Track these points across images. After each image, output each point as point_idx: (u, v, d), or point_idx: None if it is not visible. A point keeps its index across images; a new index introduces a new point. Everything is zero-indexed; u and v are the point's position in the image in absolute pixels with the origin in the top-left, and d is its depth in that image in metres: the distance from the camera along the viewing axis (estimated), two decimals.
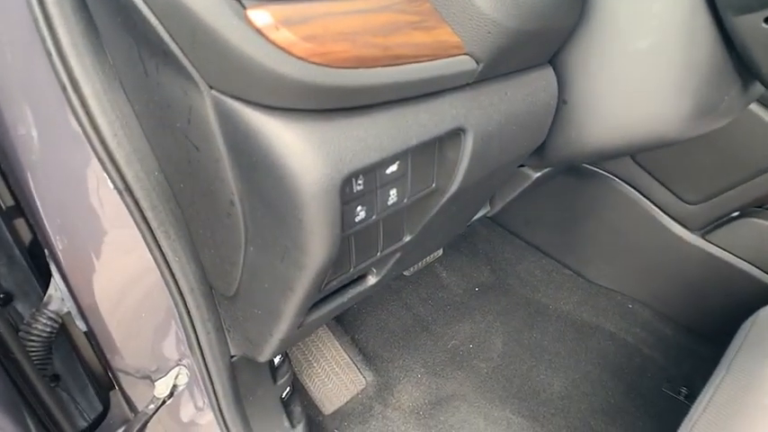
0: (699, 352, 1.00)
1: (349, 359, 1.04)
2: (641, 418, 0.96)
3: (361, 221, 0.38)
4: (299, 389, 0.97)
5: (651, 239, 0.97)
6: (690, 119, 0.44)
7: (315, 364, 1.01)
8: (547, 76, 0.46)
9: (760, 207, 0.89)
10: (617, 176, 0.98)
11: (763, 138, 0.77)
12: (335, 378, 1.01)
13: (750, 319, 0.69)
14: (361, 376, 1.03)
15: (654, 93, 0.44)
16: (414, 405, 1.01)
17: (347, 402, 0.99)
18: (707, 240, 0.92)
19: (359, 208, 0.37)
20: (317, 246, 0.35)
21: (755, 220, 0.87)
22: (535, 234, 1.20)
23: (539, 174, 0.74)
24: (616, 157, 0.79)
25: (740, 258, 0.88)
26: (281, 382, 0.77)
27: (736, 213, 0.89)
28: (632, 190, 0.97)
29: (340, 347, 1.05)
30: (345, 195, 0.35)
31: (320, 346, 1.03)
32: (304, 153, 0.32)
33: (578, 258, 1.15)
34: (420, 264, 1.21)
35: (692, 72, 0.43)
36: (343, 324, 1.11)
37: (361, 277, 0.57)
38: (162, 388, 0.63)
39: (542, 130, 0.48)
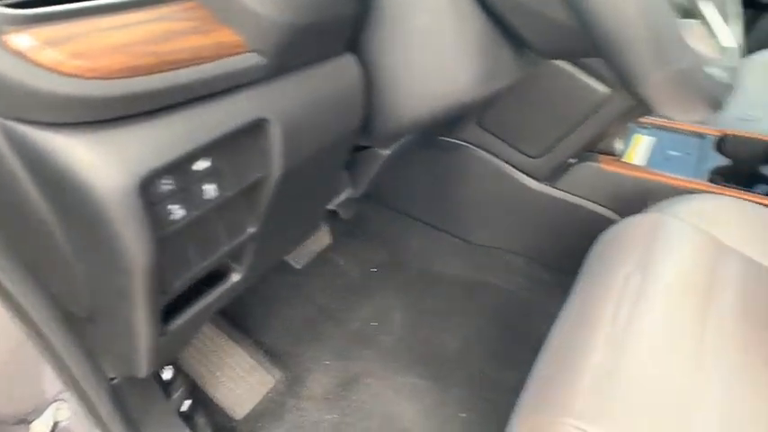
0: (568, 285, 1.12)
1: (254, 362, 1.05)
2: (530, 358, 1.06)
3: (180, 219, 0.41)
4: (202, 400, 0.97)
5: (510, 195, 1.07)
6: (474, 84, 0.51)
7: (218, 373, 1.01)
8: (346, 63, 0.51)
9: (591, 152, 1.01)
10: (471, 143, 1.07)
11: (576, 92, 0.89)
12: (242, 382, 1.02)
13: (593, 246, 0.79)
14: (269, 375, 1.05)
15: (439, 65, 0.50)
16: (325, 391, 1.05)
17: (258, 403, 1.01)
18: (554, 187, 1.03)
19: (172, 206, 0.39)
20: (131, 249, 0.37)
21: (589, 163, 0.99)
22: (417, 208, 1.27)
23: (389, 152, 0.79)
24: (437, 125, 0.86)
25: (583, 198, 1.00)
26: (175, 396, 0.77)
27: (574, 160, 1.01)
28: (485, 153, 1.06)
29: (243, 352, 1.06)
30: (151, 196, 0.37)
31: (221, 354, 1.04)
32: (95, 163, 0.34)
33: (458, 224, 1.23)
34: (311, 254, 1.24)
35: (467, 43, 0.49)
36: (245, 328, 1.12)
37: (223, 274, 0.59)
38: (40, 428, 0.62)
39: (353, 113, 0.53)
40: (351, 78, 0.51)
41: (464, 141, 1.07)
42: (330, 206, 0.97)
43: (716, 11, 0.46)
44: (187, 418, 0.80)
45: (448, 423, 1.00)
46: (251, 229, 0.53)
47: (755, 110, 1.18)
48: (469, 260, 1.25)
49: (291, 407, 1.02)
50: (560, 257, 1.09)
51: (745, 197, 0.86)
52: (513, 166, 1.05)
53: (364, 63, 0.53)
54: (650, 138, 1.06)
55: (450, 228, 1.25)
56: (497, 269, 1.21)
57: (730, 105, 1.31)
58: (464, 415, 1.02)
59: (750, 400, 0.56)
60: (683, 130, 1.08)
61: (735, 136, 1.04)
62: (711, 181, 0.93)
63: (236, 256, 0.55)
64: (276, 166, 0.47)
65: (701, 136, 1.06)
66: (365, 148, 0.83)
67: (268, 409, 1.01)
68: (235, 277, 0.59)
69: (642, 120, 1.12)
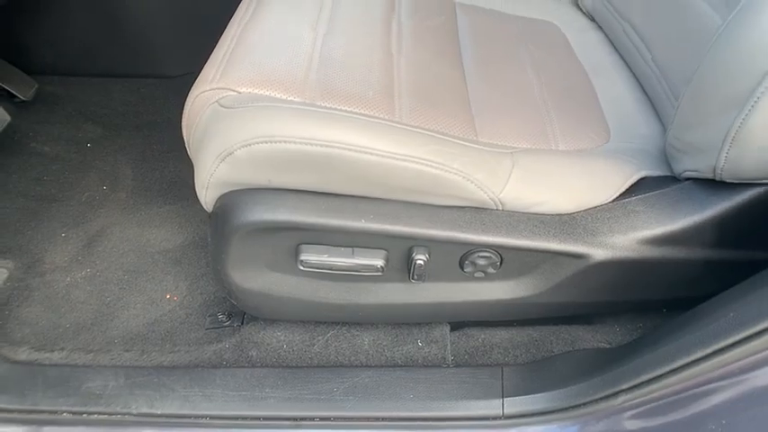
0: None
1: None
2: None
3: None
4: None
5: (181, 10, 1.08)
6: None
7: None
8: None
9: None
10: None
11: None
12: None
13: None
14: (2, 269, 0.97)
15: None
16: (70, 257, 1.01)
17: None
18: None
19: None
20: None
21: None
22: (94, 64, 1.20)
23: None
24: None
25: None
26: None
27: None
28: None
29: None
30: None
31: None
32: None
33: (142, 64, 1.21)
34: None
35: None
36: None
37: None
38: None
39: None
40: None
41: None
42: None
43: None
44: None
45: (202, 227, 1.05)
46: None
47: None
48: (176, 96, 1.25)
49: (38, 284, 0.97)
50: None
51: None
52: None
53: None
54: None
55: (139, 69, 1.23)
56: None
57: None
58: None
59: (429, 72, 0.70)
60: None
61: None
62: None
63: None
64: None
65: None
66: None
67: (12, 296, 0.94)
68: None
69: None
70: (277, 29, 0.69)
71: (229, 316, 0.86)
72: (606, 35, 0.89)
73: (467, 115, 0.67)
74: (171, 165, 1.17)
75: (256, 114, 0.53)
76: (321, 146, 0.52)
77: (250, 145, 0.52)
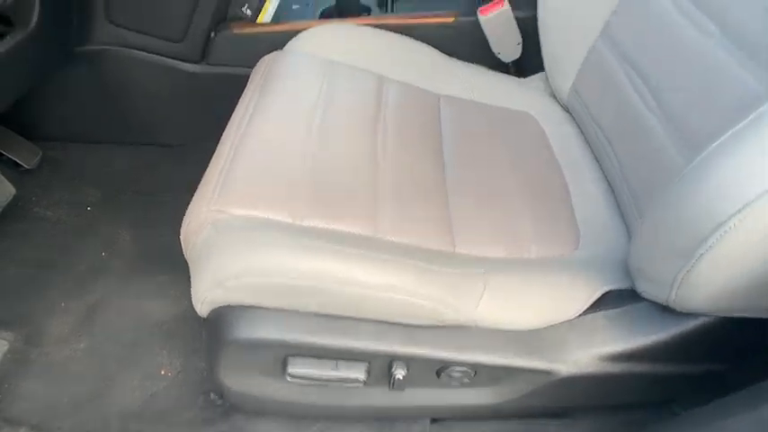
0: None
1: None
2: None
3: None
4: None
5: (175, 83, 1.13)
6: None
7: None
8: None
9: (225, 21, 1.11)
10: (113, 45, 1.08)
11: None
12: None
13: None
14: (2, 341, 1.00)
15: None
16: (70, 329, 1.04)
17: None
18: (209, 63, 1.13)
19: None
20: None
21: (225, 32, 1.10)
22: (98, 131, 1.25)
23: None
24: None
25: (234, 66, 1.12)
26: None
27: (213, 34, 1.11)
28: (135, 51, 1.09)
29: None
30: None
31: None
32: None
33: (146, 130, 1.26)
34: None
35: None
36: None
37: None
38: None
39: None
40: None
41: (105, 45, 1.08)
42: None
43: None
44: None
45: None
46: None
47: None
48: (178, 162, 1.30)
49: (37, 356, 1.00)
50: None
51: (346, 22, 1.07)
52: (166, 56, 1.11)
53: None
54: None
55: (139, 138, 1.28)
56: (204, 159, 1.29)
57: None
58: None
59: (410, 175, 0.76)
60: None
61: None
62: (322, 17, 1.12)
63: None
64: None
65: None
66: None
67: (11, 369, 0.97)
68: None
69: None
70: (272, 142, 0.74)
71: (221, 395, 0.90)
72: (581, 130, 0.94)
73: (445, 225, 0.72)
74: (168, 231, 1.20)
75: (247, 248, 0.58)
76: (306, 279, 0.57)
77: (240, 278, 0.57)
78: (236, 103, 0.96)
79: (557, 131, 0.95)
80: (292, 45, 0.98)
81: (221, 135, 0.84)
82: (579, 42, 0.90)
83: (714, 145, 0.51)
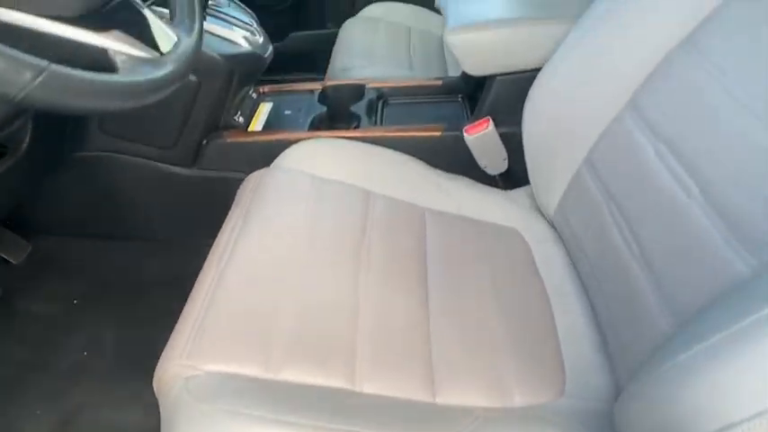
0: None
1: None
2: None
3: None
4: None
5: (166, 185, 1.14)
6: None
7: None
8: None
9: (218, 129, 1.13)
10: (108, 152, 1.10)
11: None
12: None
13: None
14: None
15: None
16: None
17: None
18: (200, 168, 1.14)
19: None
20: None
21: (217, 140, 1.12)
22: (90, 226, 1.26)
23: None
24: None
25: (225, 170, 1.13)
26: None
27: (205, 141, 1.12)
28: (128, 157, 1.11)
29: None
30: None
31: None
32: None
33: (136, 227, 1.27)
34: None
35: None
36: None
37: None
38: None
39: None
40: None
41: (101, 152, 1.09)
42: None
43: (157, 19, 0.58)
44: None
45: None
46: None
47: (354, 59, 1.45)
48: (165, 256, 1.30)
49: None
50: None
51: (336, 135, 1.09)
52: (158, 161, 1.12)
53: None
54: (270, 103, 1.23)
55: (129, 232, 1.28)
56: (193, 254, 1.29)
57: (335, 59, 1.56)
58: None
59: (392, 318, 0.75)
60: (297, 90, 1.28)
61: (334, 85, 1.27)
62: (311, 129, 1.13)
63: None
64: None
65: (310, 92, 1.27)
66: None
67: None
68: None
69: (264, 89, 1.28)
70: (250, 283, 0.74)
71: None
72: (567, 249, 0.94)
73: (426, 373, 0.70)
74: (151, 331, 1.19)
75: (218, 420, 0.56)
76: None
77: None
78: (227, 202, 0.97)
79: (544, 252, 0.95)
80: (281, 160, 0.99)
81: (210, 230, 0.86)
82: (563, 168, 0.90)
83: (715, 339, 0.48)
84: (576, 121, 0.87)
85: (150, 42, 0.55)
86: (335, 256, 0.82)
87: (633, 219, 0.73)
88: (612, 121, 0.82)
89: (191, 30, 0.61)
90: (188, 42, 0.59)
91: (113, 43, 0.51)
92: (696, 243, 0.61)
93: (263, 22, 1.24)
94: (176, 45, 0.58)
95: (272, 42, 1.14)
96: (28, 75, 0.39)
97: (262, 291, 0.73)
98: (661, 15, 0.79)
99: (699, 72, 0.70)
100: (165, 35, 0.57)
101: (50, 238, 1.32)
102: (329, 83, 1.28)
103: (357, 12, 1.85)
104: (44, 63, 0.40)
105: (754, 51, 0.65)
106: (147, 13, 0.56)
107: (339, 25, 1.81)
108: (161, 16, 0.59)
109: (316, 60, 1.85)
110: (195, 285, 0.76)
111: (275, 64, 1.20)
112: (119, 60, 0.50)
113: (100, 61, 0.49)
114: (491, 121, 1.01)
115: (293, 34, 2.03)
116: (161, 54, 0.56)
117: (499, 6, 1.02)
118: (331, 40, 1.72)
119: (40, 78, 0.40)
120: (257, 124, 1.16)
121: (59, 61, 0.45)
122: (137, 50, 0.52)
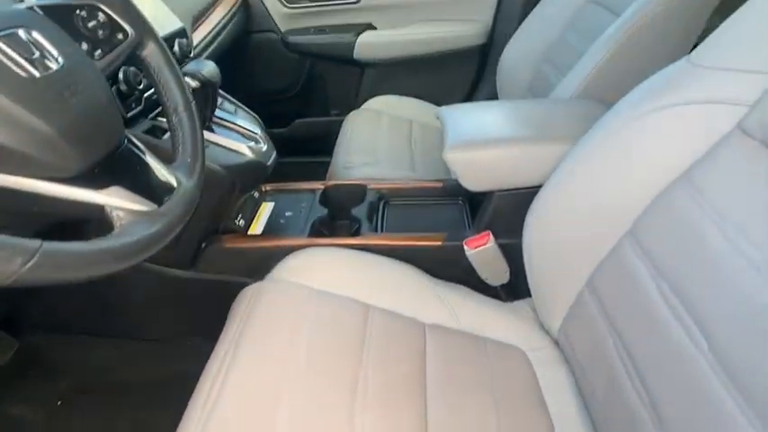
0: None
1: None
2: None
3: None
4: None
5: (163, 286, 1.12)
6: None
7: None
8: None
9: (217, 232, 1.13)
10: None
11: None
12: None
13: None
14: None
15: None
16: None
17: None
18: (198, 271, 1.12)
19: None
20: None
21: (216, 245, 1.11)
22: (76, 323, 1.23)
23: None
24: None
25: (224, 274, 1.12)
26: None
27: (204, 245, 1.11)
28: None
29: None
30: None
31: None
32: None
33: (126, 326, 1.24)
34: None
35: None
36: None
37: None
38: None
39: None
40: None
41: None
42: None
43: (157, 163, 0.58)
44: None
45: None
46: None
47: (356, 156, 1.47)
48: (154, 357, 1.26)
49: None
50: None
51: (336, 242, 1.08)
52: (155, 262, 1.11)
53: None
54: (271, 203, 1.23)
55: (119, 331, 1.25)
56: (182, 355, 1.25)
57: (338, 154, 1.58)
58: None
59: None
60: (298, 189, 1.29)
61: (335, 185, 1.28)
62: (312, 234, 1.13)
63: None
64: None
65: (312, 192, 1.27)
66: None
67: None
68: None
69: (266, 188, 1.29)
70: (240, 413, 0.70)
71: None
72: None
73: None
74: None
75: None
76: None
77: None
78: (223, 305, 0.94)
79: (547, 373, 0.91)
80: (278, 272, 0.97)
81: (203, 332, 0.82)
82: (564, 291, 0.88)
83: None
84: (576, 245, 0.86)
85: (149, 192, 0.55)
86: (331, 382, 0.79)
87: (641, 363, 0.70)
88: (613, 249, 0.81)
89: (191, 171, 0.61)
90: (187, 186, 0.59)
91: (110, 199, 0.50)
92: (708, 404, 0.58)
93: (270, 110, 1.27)
94: (176, 191, 0.58)
95: (278, 128, 1.15)
96: (18, 261, 0.38)
97: (254, 425, 0.70)
98: (662, 143, 0.78)
99: (698, 212, 0.68)
100: (164, 182, 0.57)
101: (37, 334, 1.29)
102: (331, 183, 1.29)
103: (360, 101, 1.90)
104: (36, 244, 0.40)
105: (753, 194, 0.64)
106: (148, 158, 0.57)
107: (342, 112, 1.87)
108: (162, 158, 0.60)
109: (319, 145, 1.91)
110: (186, 414, 0.73)
111: (281, 148, 1.23)
112: (115, 216, 0.50)
113: (96, 218, 0.49)
114: (491, 236, 1.00)
115: (298, 121, 2.09)
116: (161, 202, 0.55)
117: (498, 125, 1.04)
118: (333, 127, 1.76)
119: (30, 263, 0.39)
120: (258, 227, 1.15)
121: (54, 222, 0.44)
122: (134, 204, 0.52)
